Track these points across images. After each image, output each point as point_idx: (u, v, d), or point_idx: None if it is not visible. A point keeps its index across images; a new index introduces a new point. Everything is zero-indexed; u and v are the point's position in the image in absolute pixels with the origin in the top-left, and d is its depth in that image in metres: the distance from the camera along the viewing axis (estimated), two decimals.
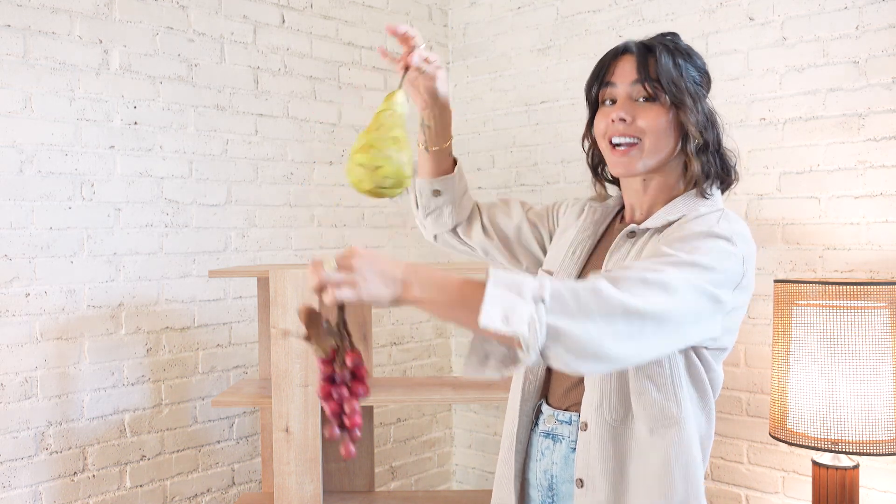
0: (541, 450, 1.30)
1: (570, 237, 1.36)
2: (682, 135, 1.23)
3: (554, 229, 1.46)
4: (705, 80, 1.27)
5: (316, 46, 2.76)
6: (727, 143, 1.28)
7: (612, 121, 1.23)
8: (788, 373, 1.99)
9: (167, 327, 2.39)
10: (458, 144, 3.21)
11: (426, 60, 1.22)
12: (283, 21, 2.67)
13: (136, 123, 2.30)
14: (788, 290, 2.00)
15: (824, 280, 2.08)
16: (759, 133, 2.36)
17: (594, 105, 1.30)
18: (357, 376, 1.10)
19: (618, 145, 1.23)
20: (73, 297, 2.18)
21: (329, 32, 2.80)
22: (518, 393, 1.32)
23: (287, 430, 2.01)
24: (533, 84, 2.96)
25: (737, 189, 2.37)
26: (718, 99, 2.43)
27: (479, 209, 1.49)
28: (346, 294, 0.97)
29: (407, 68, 1.21)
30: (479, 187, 3.15)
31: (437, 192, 1.41)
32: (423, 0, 3.13)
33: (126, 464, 2.30)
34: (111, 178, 2.26)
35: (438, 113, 1.31)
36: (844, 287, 1.90)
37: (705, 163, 1.23)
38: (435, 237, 1.50)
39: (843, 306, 1.90)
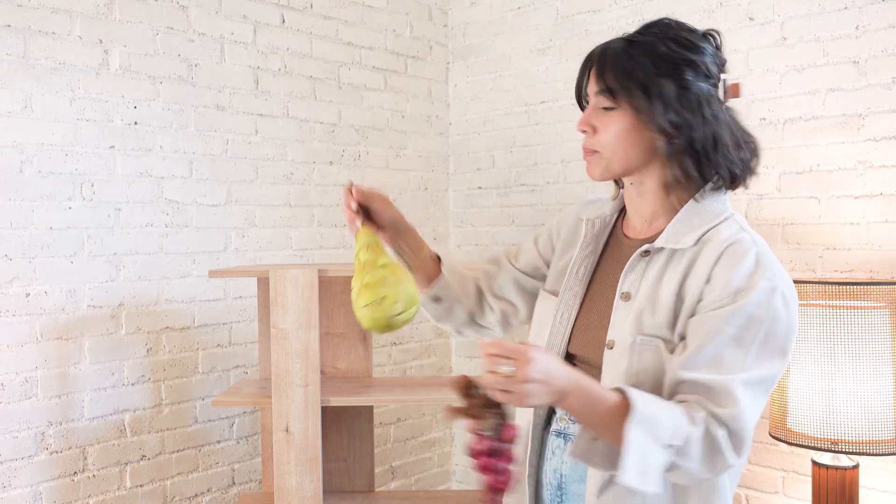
0: (552, 449, 1.29)
1: (573, 256, 1.34)
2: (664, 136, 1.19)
3: (552, 256, 1.43)
4: (696, 69, 1.18)
5: (316, 46, 2.76)
6: (738, 134, 1.22)
7: (581, 131, 1.24)
8: (788, 373, 1.99)
9: (167, 327, 2.39)
10: (458, 144, 3.22)
11: (349, 206, 1.29)
12: (283, 21, 2.67)
13: (136, 123, 2.30)
14: None
15: (824, 280, 2.09)
16: (759, 133, 2.34)
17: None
18: (509, 446, 1.13)
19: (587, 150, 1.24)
20: (73, 297, 2.18)
21: (329, 32, 2.80)
22: None
23: (287, 430, 2.01)
24: (533, 84, 2.96)
25: (737, 189, 2.38)
26: None
27: (481, 290, 1.46)
28: (508, 400, 1.03)
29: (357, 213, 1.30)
30: (480, 187, 3.15)
31: (437, 299, 1.41)
32: (423, 0, 3.13)
33: (126, 464, 2.30)
34: (111, 178, 2.26)
35: (402, 234, 1.35)
36: (844, 287, 1.90)
37: (690, 165, 1.18)
38: (460, 332, 1.50)
39: (843, 306, 1.90)
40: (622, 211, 1.35)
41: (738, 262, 1.13)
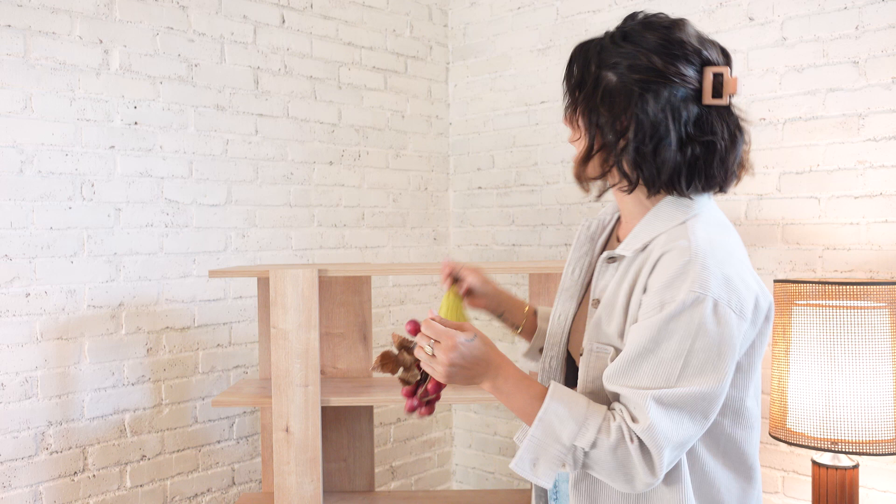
0: None
1: (570, 257, 1.34)
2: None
3: None
4: (662, 65, 1.10)
5: (316, 46, 2.76)
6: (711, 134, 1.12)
7: None
8: (788, 373, 1.99)
9: (167, 327, 2.39)
10: (458, 144, 3.22)
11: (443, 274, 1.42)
12: (283, 21, 2.67)
13: (136, 123, 2.30)
14: (788, 290, 2.00)
15: (824, 280, 2.09)
16: (759, 133, 2.36)
17: None
18: (433, 397, 1.27)
19: None
20: (73, 297, 2.18)
21: (329, 32, 2.80)
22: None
23: (287, 430, 2.01)
24: (533, 84, 2.96)
25: (736, 189, 2.38)
26: None
27: None
28: (431, 374, 1.16)
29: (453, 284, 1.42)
30: (480, 187, 3.15)
31: (541, 350, 1.44)
32: (423, 0, 3.13)
33: (126, 464, 2.30)
34: (111, 178, 2.26)
35: (498, 300, 1.45)
36: (844, 287, 1.90)
37: (626, 168, 1.12)
38: None
39: (843, 306, 1.90)
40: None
41: (668, 270, 1.07)
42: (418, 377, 1.26)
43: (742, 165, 1.16)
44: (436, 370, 1.13)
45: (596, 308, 1.19)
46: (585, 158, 1.16)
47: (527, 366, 1.49)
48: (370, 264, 2.34)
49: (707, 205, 1.17)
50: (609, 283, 1.18)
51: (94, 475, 2.24)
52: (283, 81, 2.67)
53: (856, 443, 1.88)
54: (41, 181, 2.12)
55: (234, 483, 2.57)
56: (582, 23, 2.77)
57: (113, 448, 2.28)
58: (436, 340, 1.13)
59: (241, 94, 2.55)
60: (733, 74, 1.14)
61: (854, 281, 1.98)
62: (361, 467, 2.32)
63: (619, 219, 1.33)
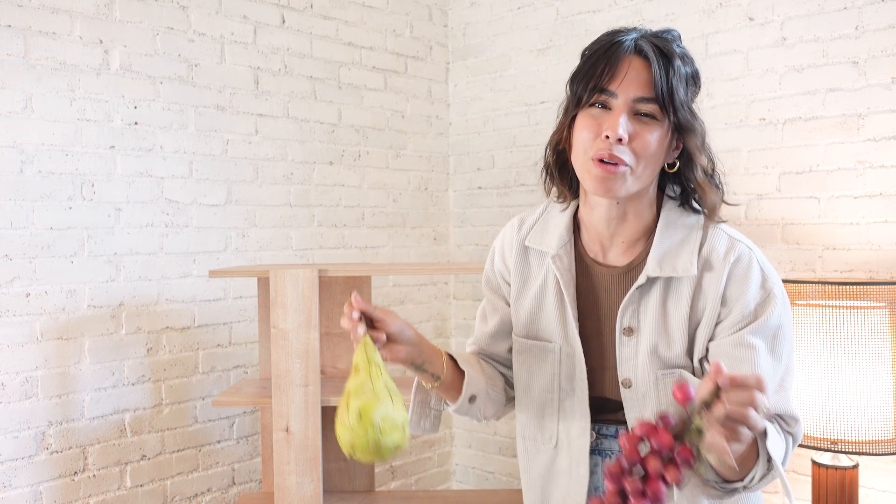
0: (591, 467, 1.28)
1: (547, 301, 1.22)
2: (673, 156, 1.17)
3: (508, 295, 1.31)
4: (698, 88, 1.18)
5: (316, 46, 2.77)
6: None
7: (606, 137, 1.08)
8: None
9: (167, 327, 2.39)
10: (458, 144, 3.22)
11: (349, 316, 1.09)
12: (283, 21, 2.67)
13: (136, 123, 2.30)
14: (788, 290, 2.00)
15: (824, 280, 2.09)
16: (758, 133, 2.36)
17: (577, 102, 1.14)
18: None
19: (603, 161, 1.09)
20: (73, 297, 2.19)
21: (329, 32, 2.80)
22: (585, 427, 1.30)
23: (287, 430, 2.01)
24: (533, 84, 2.96)
25: (737, 189, 2.38)
26: (718, 99, 2.43)
27: (494, 366, 1.36)
28: (728, 436, 0.89)
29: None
30: (480, 187, 3.15)
31: (472, 398, 1.26)
32: (423, 0, 3.13)
33: (126, 464, 2.30)
34: (111, 178, 2.26)
35: (418, 345, 1.17)
36: (844, 287, 1.90)
37: (687, 182, 1.17)
38: (501, 416, 1.38)
39: (843, 306, 1.90)
40: (577, 232, 1.24)
41: (748, 277, 1.13)
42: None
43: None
44: (743, 421, 0.87)
45: (631, 336, 1.15)
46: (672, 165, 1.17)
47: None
48: (370, 264, 2.34)
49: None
50: (645, 308, 1.14)
51: (94, 475, 2.24)
52: (283, 81, 2.67)
53: (855, 443, 1.88)
54: (41, 181, 2.12)
55: (234, 483, 2.57)
56: (582, 23, 2.77)
57: (113, 448, 2.28)
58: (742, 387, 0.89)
59: (241, 94, 2.55)
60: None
61: (854, 281, 1.98)
62: (361, 467, 2.32)
63: (574, 237, 1.24)
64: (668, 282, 1.15)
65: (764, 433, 1.02)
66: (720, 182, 1.18)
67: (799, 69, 2.28)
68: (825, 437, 1.91)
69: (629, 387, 1.17)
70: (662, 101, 1.08)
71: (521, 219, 1.31)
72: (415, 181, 3.12)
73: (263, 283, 2.23)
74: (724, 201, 1.18)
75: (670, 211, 1.18)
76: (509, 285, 1.30)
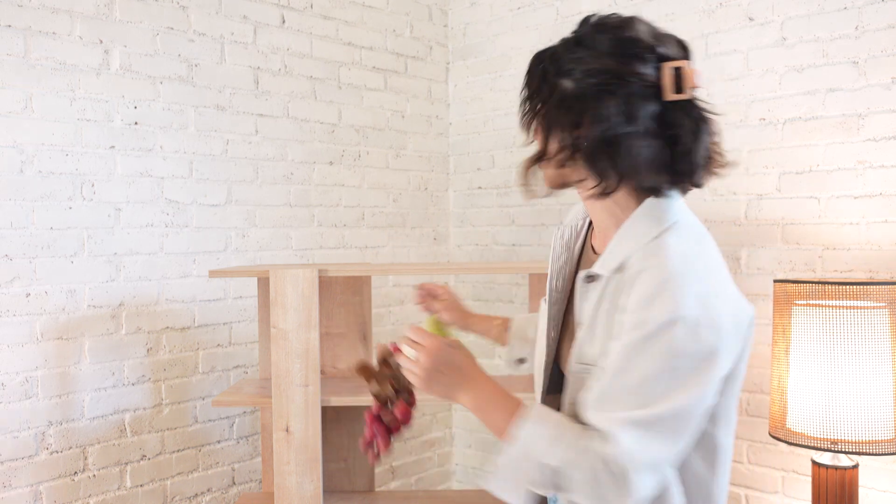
0: None
1: (549, 268, 1.30)
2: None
3: None
4: (616, 66, 1.08)
5: (316, 46, 2.77)
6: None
7: None
8: (788, 372, 1.99)
9: (167, 327, 2.39)
10: (458, 144, 3.22)
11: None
12: (283, 21, 2.67)
13: (136, 123, 2.30)
14: (788, 290, 2.00)
15: (824, 280, 2.09)
16: (758, 133, 2.36)
17: None
18: (401, 423, 1.29)
19: None
20: (73, 297, 2.19)
21: (329, 32, 2.80)
22: (539, 396, 1.31)
23: (287, 430, 2.01)
24: None
25: (737, 189, 2.38)
26: (718, 99, 2.43)
27: None
28: (413, 381, 1.18)
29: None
30: (479, 187, 3.15)
31: (521, 360, 1.56)
32: (423, 0, 3.13)
33: (126, 464, 2.30)
34: (111, 178, 2.26)
35: (466, 316, 1.61)
36: (844, 287, 1.90)
37: (605, 173, 1.10)
38: None
39: (843, 306, 1.90)
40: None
41: (644, 290, 1.05)
42: (390, 394, 1.26)
43: (711, 157, 1.13)
44: (416, 373, 1.16)
45: (579, 329, 1.17)
46: (535, 160, 1.18)
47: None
48: (370, 264, 2.34)
49: (681, 214, 1.15)
50: (589, 302, 1.16)
51: (94, 475, 2.24)
52: (283, 81, 2.67)
53: (855, 443, 1.88)
54: (41, 181, 2.12)
55: (234, 483, 2.57)
56: None
57: (113, 448, 2.28)
58: (420, 344, 1.16)
59: (241, 94, 2.55)
60: (695, 66, 1.12)
61: (854, 281, 1.98)
62: (361, 467, 2.32)
63: (591, 223, 1.29)
64: (606, 283, 1.13)
65: (532, 419, 1.09)
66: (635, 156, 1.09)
67: (799, 69, 2.28)
68: (825, 437, 1.91)
69: (567, 374, 1.20)
70: (521, 110, 1.20)
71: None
72: (415, 181, 3.12)
73: (263, 283, 2.23)
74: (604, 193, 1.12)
75: (639, 214, 1.14)
76: None
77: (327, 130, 2.81)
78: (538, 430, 1.07)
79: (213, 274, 2.09)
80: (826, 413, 1.90)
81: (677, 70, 1.09)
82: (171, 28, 2.37)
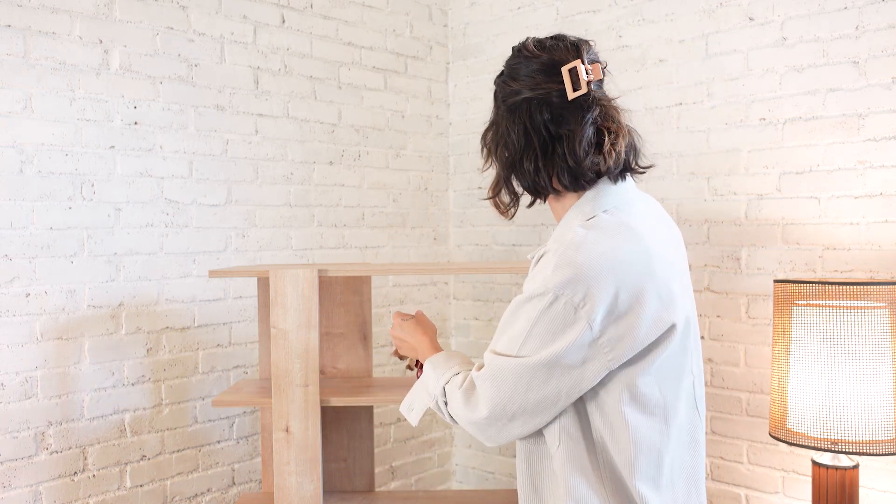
0: None
1: None
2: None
3: None
4: (516, 84, 1.31)
5: (316, 46, 2.76)
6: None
7: None
8: (788, 372, 1.99)
9: (167, 327, 2.39)
10: (458, 144, 3.22)
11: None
12: (283, 21, 2.67)
13: (136, 123, 2.30)
14: (788, 289, 2.00)
15: (824, 280, 2.09)
16: (758, 133, 2.36)
17: None
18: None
19: None
20: (73, 297, 2.18)
21: (329, 32, 2.80)
22: None
23: (287, 430, 2.01)
24: None
25: (737, 189, 2.38)
26: (718, 99, 2.43)
27: None
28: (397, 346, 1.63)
29: None
30: (480, 187, 3.15)
31: None
32: (423, 0, 3.13)
33: (126, 464, 2.30)
34: (111, 178, 2.26)
35: None
36: (844, 287, 1.90)
37: (521, 182, 1.31)
38: None
39: (843, 306, 1.90)
40: None
41: (538, 266, 1.24)
42: (411, 363, 1.71)
43: (599, 144, 1.24)
44: (393, 341, 1.61)
45: None
46: (495, 182, 1.36)
47: None
48: (370, 264, 2.34)
49: (610, 205, 1.26)
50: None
51: (94, 475, 2.24)
52: (283, 81, 2.67)
53: (856, 443, 1.88)
54: (41, 181, 2.12)
55: (234, 483, 2.57)
56: (582, 23, 2.77)
57: (113, 448, 2.28)
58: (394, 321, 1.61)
59: (241, 94, 2.55)
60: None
61: (854, 281, 1.98)
62: (361, 467, 2.32)
63: None
64: (534, 264, 1.31)
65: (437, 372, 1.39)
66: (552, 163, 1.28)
67: (799, 69, 2.28)
68: (825, 437, 1.91)
69: None
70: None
71: None
72: (415, 181, 3.12)
73: (263, 283, 2.23)
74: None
75: (574, 208, 1.28)
76: None
77: (327, 130, 2.81)
78: (436, 367, 1.39)
79: (213, 274, 2.09)
80: (826, 413, 1.90)
81: (571, 70, 1.24)
82: (171, 28, 2.37)
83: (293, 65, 2.70)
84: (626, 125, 1.27)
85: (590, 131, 1.23)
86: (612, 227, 1.22)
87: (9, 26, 2.06)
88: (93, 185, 2.22)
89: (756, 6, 2.36)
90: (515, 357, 1.21)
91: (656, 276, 1.19)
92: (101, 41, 2.23)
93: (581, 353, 1.17)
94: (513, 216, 1.37)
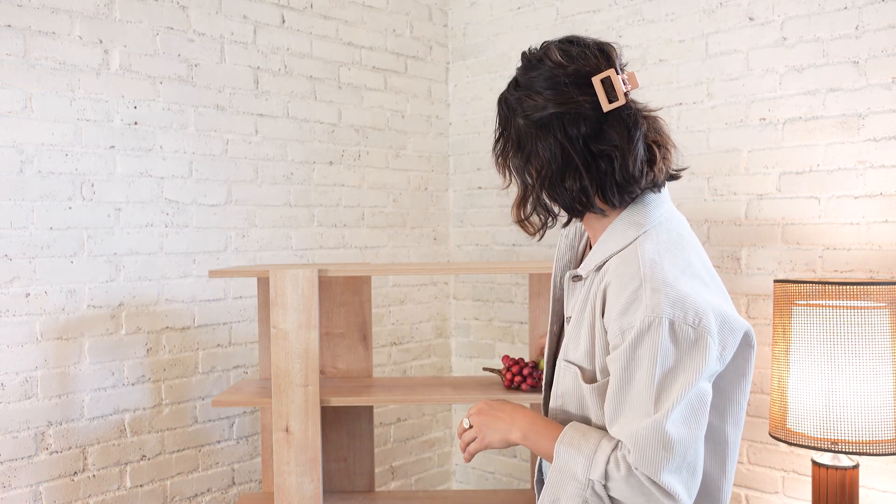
0: None
1: (553, 266, 1.38)
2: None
3: None
4: (545, 99, 1.17)
5: (316, 46, 2.76)
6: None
7: None
8: (788, 373, 1.99)
9: (167, 327, 2.39)
10: (458, 144, 3.22)
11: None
12: (283, 21, 2.67)
13: (136, 123, 2.30)
14: (788, 290, 2.00)
15: (824, 280, 2.09)
16: (758, 133, 2.36)
17: None
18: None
19: None
20: (73, 297, 2.18)
21: (329, 32, 2.80)
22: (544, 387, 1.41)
23: (287, 430, 2.01)
24: None
25: (737, 189, 2.38)
26: (718, 99, 2.43)
27: None
28: (474, 447, 1.27)
29: None
30: (480, 187, 3.15)
31: None
32: (423, 0, 3.13)
33: (126, 464, 2.30)
34: (111, 178, 2.26)
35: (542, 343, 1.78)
36: (844, 287, 1.90)
37: (558, 200, 1.20)
38: None
39: (843, 306, 1.90)
40: None
41: (621, 297, 1.11)
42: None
43: (652, 161, 1.17)
44: (473, 435, 1.27)
45: (567, 325, 1.25)
46: (521, 201, 1.24)
47: None
48: (370, 264, 2.34)
49: (661, 217, 1.19)
50: (577, 303, 1.23)
51: (94, 475, 2.24)
52: (283, 81, 2.67)
53: (856, 443, 1.88)
54: (41, 181, 2.12)
55: (234, 483, 2.57)
56: (582, 23, 2.77)
57: (113, 448, 2.28)
58: (470, 412, 1.30)
59: (241, 94, 2.55)
60: (629, 68, 1.19)
61: (854, 281, 1.98)
62: (361, 467, 2.32)
63: None
64: (589, 283, 1.21)
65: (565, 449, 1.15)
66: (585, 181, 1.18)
67: (799, 69, 2.28)
68: (825, 437, 1.91)
69: (555, 368, 1.28)
70: (495, 150, 1.30)
71: None
72: (415, 181, 3.12)
73: (263, 283, 2.23)
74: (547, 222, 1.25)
75: (621, 219, 1.20)
76: None
77: (327, 130, 2.81)
78: (573, 450, 1.14)
79: (213, 274, 2.09)
80: (826, 413, 1.90)
81: (605, 81, 1.14)
82: (171, 28, 2.37)
83: (293, 65, 2.70)
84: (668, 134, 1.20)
85: (641, 148, 1.15)
86: (674, 238, 1.17)
87: (9, 26, 2.06)
88: (93, 185, 2.22)
89: (756, 6, 2.36)
90: (664, 415, 1.06)
91: (715, 277, 1.21)
92: (101, 41, 2.23)
93: (713, 368, 1.11)
94: (542, 237, 1.27)
